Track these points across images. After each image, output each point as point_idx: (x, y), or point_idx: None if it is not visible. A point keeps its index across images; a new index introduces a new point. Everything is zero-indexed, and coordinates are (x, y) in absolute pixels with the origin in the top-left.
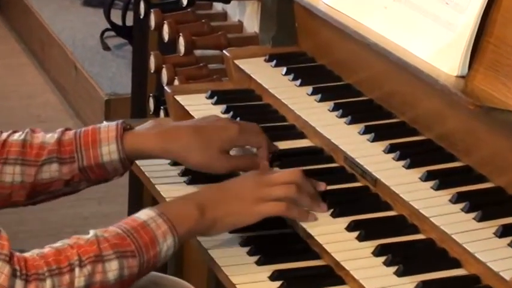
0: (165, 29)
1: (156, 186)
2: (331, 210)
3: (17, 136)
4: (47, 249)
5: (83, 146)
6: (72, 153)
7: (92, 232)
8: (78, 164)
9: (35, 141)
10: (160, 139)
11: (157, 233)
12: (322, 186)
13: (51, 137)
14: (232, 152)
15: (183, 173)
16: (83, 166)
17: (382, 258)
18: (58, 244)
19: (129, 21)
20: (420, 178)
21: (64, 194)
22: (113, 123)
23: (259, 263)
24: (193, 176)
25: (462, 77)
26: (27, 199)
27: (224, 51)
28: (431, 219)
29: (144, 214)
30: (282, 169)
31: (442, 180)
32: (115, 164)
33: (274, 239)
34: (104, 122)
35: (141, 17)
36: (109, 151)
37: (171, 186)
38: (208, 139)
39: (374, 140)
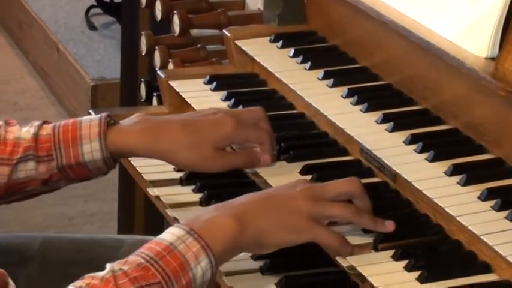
0: (158, 5)
1: (148, 182)
2: None
3: None
4: None
5: (62, 143)
6: (50, 151)
7: (108, 267)
8: (57, 163)
9: (9, 136)
10: (144, 137)
11: (187, 256)
12: (390, 226)
13: (27, 132)
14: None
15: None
16: (62, 165)
17: (403, 263)
18: None
19: None
20: (445, 172)
21: (41, 193)
22: (96, 117)
23: (264, 269)
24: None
25: (492, 58)
26: (0, 199)
27: (224, 30)
28: (458, 218)
29: (170, 234)
30: (289, 164)
31: (470, 175)
32: (97, 164)
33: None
34: (90, 112)
35: None
36: (91, 149)
37: (168, 187)
38: (199, 136)
39: (393, 129)
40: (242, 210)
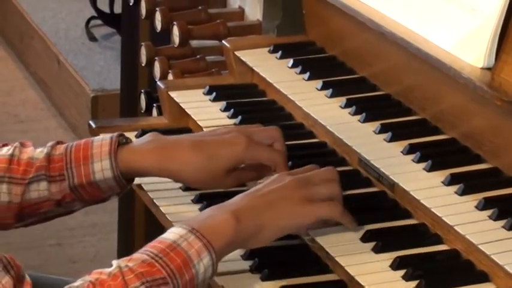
0: (158, 17)
1: (148, 193)
2: None
3: (5, 150)
4: None
5: (73, 163)
6: (61, 171)
7: (114, 263)
8: (69, 183)
9: (23, 156)
10: (156, 156)
11: (190, 252)
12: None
13: (40, 152)
14: None
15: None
16: (74, 185)
17: (401, 272)
18: (78, 283)
19: (118, 8)
20: (443, 182)
21: (57, 216)
22: (107, 136)
23: (264, 278)
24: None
25: (488, 68)
26: (16, 221)
27: (223, 41)
28: (455, 227)
29: (172, 233)
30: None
31: (468, 185)
32: (109, 182)
33: (280, 251)
34: (90, 124)
35: (131, 3)
36: (101, 168)
37: (166, 193)
38: (209, 157)
39: (391, 139)
40: (238, 207)
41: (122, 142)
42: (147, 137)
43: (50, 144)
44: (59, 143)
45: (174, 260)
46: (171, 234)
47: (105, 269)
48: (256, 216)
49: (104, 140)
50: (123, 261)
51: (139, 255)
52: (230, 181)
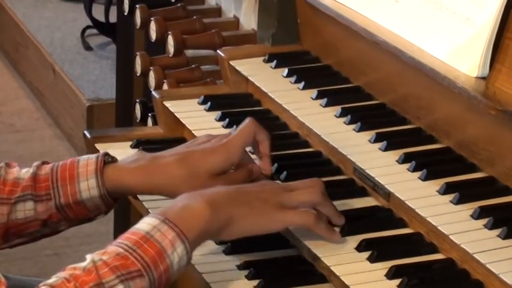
0: (152, 26)
1: (144, 203)
2: (339, 228)
3: None
4: None
5: (59, 182)
6: (48, 190)
7: (88, 258)
8: (55, 202)
9: (9, 176)
10: (142, 173)
11: (163, 243)
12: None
13: (26, 172)
14: None
15: None
16: (60, 204)
17: (397, 281)
18: (52, 280)
19: (113, 18)
20: (438, 191)
21: (43, 236)
22: (93, 156)
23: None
24: None
25: (483, 78)
26: (2, 242)
27: (218, 51)
28: (450, 237)
29: (146, 224)
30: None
31: (463, 194)
32: (95, 201)
33: (275, 261)
34: (85, 133)
35: (126, 13)
36: (88, 187)
37: (161, 203)
38: (194, 168)
39: (386, 148)
40: (214, 197)
41: (107, 161)
42: (133, 155)
43: (35, 164)
44: (44, 163)
45: (148, 251)
46: (144, 225)
47: (79, 264)
48: (229, 209)
49: (89, 159)
50: (98, 255)
51: (113, 247)
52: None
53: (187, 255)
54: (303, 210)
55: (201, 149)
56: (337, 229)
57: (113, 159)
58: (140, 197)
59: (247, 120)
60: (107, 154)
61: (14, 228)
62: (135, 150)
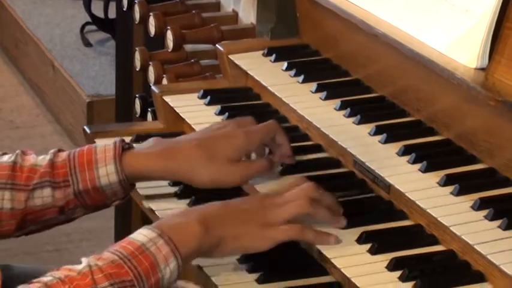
0: (151, 21)
1: (144, 199)
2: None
3: (7, 158)
4: (35, 286)
5: (77, 168)
6: (66, 176)
7: (84, 261)
8: (74, 188)
9: (25, 163)
10: (162, 158)
11: (158, 257)
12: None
13: (43, 159)
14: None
15: (173, 182)
16: (79, 190)
17: (398, 273)
18: (48, 278)
19: (112, 14)
20: (438, 183)
21: (58, 224)
22: (110, 142)
23: (260, 281)
24: (185, 185)
25: (482, 69)
26: (17, 229)
27: (217, 45)
28: (451, 228)
29: (142, 235)
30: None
31: (463, 185)
32: (114, 187)
33: (275, 254)
34: (85, 129)
35: (125, 8)
36: (107, 172)
37: (162, 199)
38: (214, 151)
39: (386, 141)
40: (208, 217)
41: (124, 147)
42: (149, 141)
43: (52, 151)
44: (60, 150)
45: (142, 263)
46: (140, 236)
47: (74, 266)
48: (220, 230)
49: (107, 145)
50: (93, 259)
51: (109, 254)
52: (236, 175)
53: (178, 271)
54: (288, 226)
55: (221, 134)
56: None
57: (130, 146)
58: (140, 191)
59: (271, 120)
60: (123, 140)
61: (31, 215)
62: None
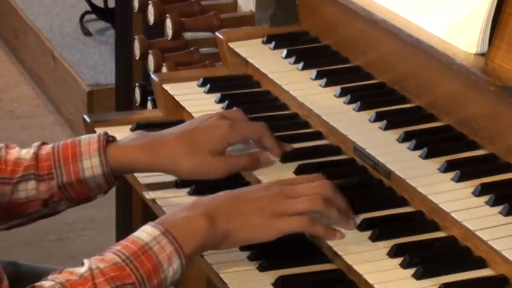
0: (150, 10)
1: (145, 191)
2: None
3: None
4: None
5: (62, 161)
6: (50, 169)
7: (86, 264)
8: (58, 181)
9: (9, 157)
10: (146, 151)
11: (161, 257)
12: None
13: (27, 152)
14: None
15: None
16: (63, 183)
17: (399, 260)
18: (49, 283)
19: (112, 3)
20: (439, 169)
21: (42, 217)
22: (94, 135)
23: (261, 268)
24: None
25: (482, 54)
26: (1, 223)
27: (217, 33)
28: (452, 214)
29: (146, 233)
30: (284, 164)
31: (464, 171)
32: (98, 180)
33: (276, 242)
34: (85, 118)
35: None
36: (91, 165)
37: (163, 190)
38: (196, 143)
39: (387, 127)
40: (214, 210)
41: (108, 140)
42: (133, 134)
43: (35, 144)
44: (44, 143)
45: (144, 264)
46: (144, 234)
47: (76, 269)
48: (227, 223)
49: (91, 138)
50: (95, 262)
51: (111, 255)
52: (220, 167)
53: (182, 270)
54: (298, 217)
55: (203, 126)
56: None
57: (114, 139)
58: (140, 179)
59: (261, 122)
60: (107, 133)
61: (15, 208)
62: None
